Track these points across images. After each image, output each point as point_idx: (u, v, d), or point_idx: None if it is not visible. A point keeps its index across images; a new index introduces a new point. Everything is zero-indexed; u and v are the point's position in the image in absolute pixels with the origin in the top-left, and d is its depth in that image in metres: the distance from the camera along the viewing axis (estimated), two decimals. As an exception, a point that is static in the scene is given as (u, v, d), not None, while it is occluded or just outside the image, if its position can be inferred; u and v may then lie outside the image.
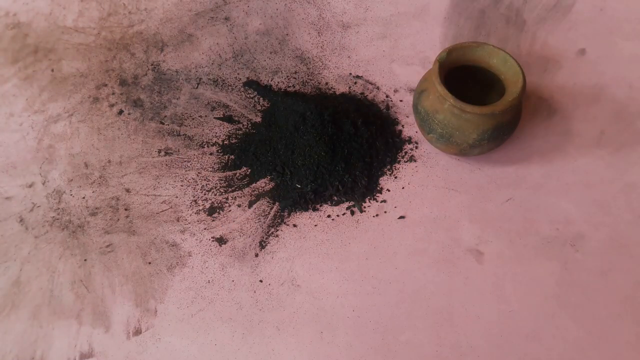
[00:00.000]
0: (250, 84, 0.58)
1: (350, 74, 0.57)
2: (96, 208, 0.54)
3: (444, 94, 0.46)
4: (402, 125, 0.54)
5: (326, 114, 0.52)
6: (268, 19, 0.62)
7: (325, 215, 0.51)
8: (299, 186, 0.51)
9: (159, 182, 0.54)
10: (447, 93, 0.46)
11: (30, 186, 0.56)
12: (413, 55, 0.58)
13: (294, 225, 0.51)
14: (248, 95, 0.58)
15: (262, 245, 0.50)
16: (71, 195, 0.55)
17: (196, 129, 0.57)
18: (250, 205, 0.52)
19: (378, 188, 0.51)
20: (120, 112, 0.59)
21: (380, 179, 0.51)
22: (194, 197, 0.53)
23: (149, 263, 0.50)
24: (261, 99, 0.57)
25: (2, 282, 0.51)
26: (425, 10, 0.60)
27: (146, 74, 0.61)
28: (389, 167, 0.52)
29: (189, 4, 0.64)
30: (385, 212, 0.50)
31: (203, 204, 0.53)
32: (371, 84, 0.56)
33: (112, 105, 0.59)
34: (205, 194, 0.53)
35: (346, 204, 0.51)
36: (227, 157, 0.55)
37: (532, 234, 0.47)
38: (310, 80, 0.58)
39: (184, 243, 0.51)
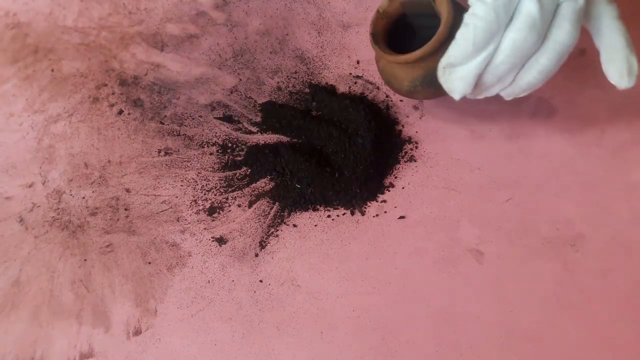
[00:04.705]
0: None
1: (350, 74, 0.57)
2: (96, 208, 0.54)
3: (370, 40, 0.47)
4: (402, 125, 0.54)
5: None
6: (268, 19, 0.62)
7: (325, 215, 0.51)
8: (299, 186, 0.51)
9: (159, 182, 0.54)
10: (371, 39, 0.46)
11: (30, 186, 0.56)
12: (413, 55, 0.58)
13: (294, 225, 0.51)
14: (248, 95, 0.58)
15: (262, 245, 0.50)
16: (71, 195, 0.55)
17: (196, 129, 0.57)
18: (250, 205, 0.52)
19: (378, 188, 0.51)
20: (120, 112, 0.59)
21: (380, 179, 0.51)
22: (194, 197, 0.53)
23: (149, 263, 0.50)
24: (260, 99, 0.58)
25: (2, 282, 0.51)
26: (425, 10, 0.60)
27: (146, 74, 0.61)
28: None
29: (189, 4, 0.64)
30: (385, 212, 0.50)
31: (203, 204, 0.53)
32: (371, 84, 0.56)
33: (112, 105, 0.59)
34: (205, 194, 0.53)
35: (346, 204, 0.51)
36: (227, 157, 0.55)
37: (532, 234, 0.47)
38: (310, 80, 0.57)
39: (184, 243, 0.51)
